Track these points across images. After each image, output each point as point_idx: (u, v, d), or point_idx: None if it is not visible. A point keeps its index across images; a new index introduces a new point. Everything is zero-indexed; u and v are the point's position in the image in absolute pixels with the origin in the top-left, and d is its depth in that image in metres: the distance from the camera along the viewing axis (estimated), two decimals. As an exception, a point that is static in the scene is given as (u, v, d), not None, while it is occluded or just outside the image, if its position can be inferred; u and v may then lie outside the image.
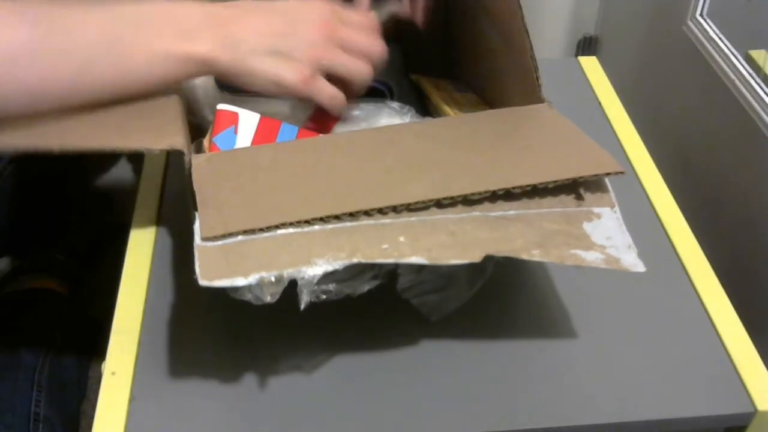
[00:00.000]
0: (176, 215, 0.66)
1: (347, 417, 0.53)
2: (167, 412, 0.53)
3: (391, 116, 0.67)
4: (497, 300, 0.60)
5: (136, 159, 0.91)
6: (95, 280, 1.12)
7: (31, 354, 0.94)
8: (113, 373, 0.55)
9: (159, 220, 0.66)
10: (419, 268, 0.51)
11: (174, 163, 0.72)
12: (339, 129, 0.67)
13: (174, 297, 0.60)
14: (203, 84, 0.70)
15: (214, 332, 0.58)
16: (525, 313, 0.60)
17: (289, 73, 0.56)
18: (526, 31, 0.56)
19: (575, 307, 0.60)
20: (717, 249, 0.69)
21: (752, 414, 0.53)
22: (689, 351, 0.57)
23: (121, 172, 1.12)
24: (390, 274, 0.50)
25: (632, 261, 0.48)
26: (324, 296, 0.48)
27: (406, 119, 0.67)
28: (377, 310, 0.56)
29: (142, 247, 0.64)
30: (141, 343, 0.57)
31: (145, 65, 0.54)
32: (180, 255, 0.63)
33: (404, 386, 0.55)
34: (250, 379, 0.55)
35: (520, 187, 0.50)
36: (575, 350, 0.57)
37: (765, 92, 0.79)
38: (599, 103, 0.81)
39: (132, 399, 0.53)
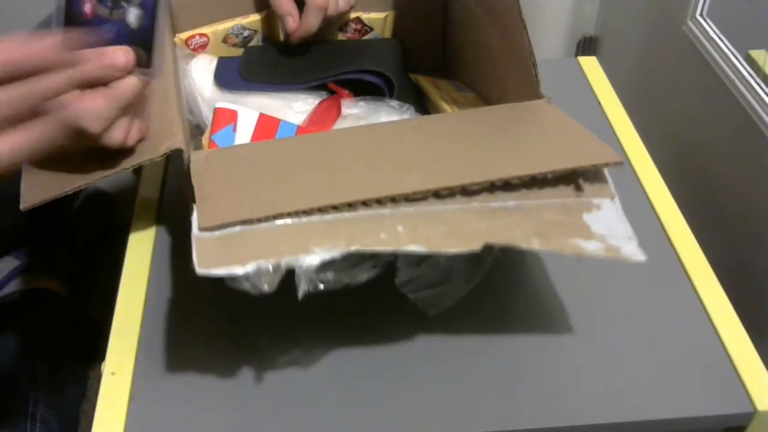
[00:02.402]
0: (176, 215, 0.66)
1: (346, 414, 0.53)
2: (167, 412, 0.53)
3: (390, 114, 0.67)
4: (496, 299, 0.60)
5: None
6: (95, 280, 1.12)
7: (30, 354, 0.94)
8: (113, 373, 0.55)
9: (159, 220, 0.66)
10: (418, 262, 0.51)
11: (174, 163, 0.72)
12: (338, 128, 0.67)
13: (174, 297, 0.60)
14: (202, 83, 0.70)
15: (213, 332, 0.58)
16: (523, 313, 0.60)
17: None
18: (525, 28, 0.56)
19: (574, 307, 0.60)
20: (717, 249, 0.69)
21: (752, 414, 0.53)
22: (689, 351, 0.57)
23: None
24: (388, 264, 0.50)
25: (633, 251, 0.48)
26: (322, 285, 0.47)
27: (406, 117, 0.67)
28: (375, 306, 0.56)
29: (142, 247, 0.64)
30: (141, 343, 0.57)
31: None
32: (180, 255, 0.63)
33: (402, 384, 0.55)
34: (249, 379, 0.55)
35: (519, 177, 0.49)
36: (574, 350, 0.57)
37: (765, 92, 0.79)
38: (599, 103, 0.81)
39: (132, 399, 0.53)
